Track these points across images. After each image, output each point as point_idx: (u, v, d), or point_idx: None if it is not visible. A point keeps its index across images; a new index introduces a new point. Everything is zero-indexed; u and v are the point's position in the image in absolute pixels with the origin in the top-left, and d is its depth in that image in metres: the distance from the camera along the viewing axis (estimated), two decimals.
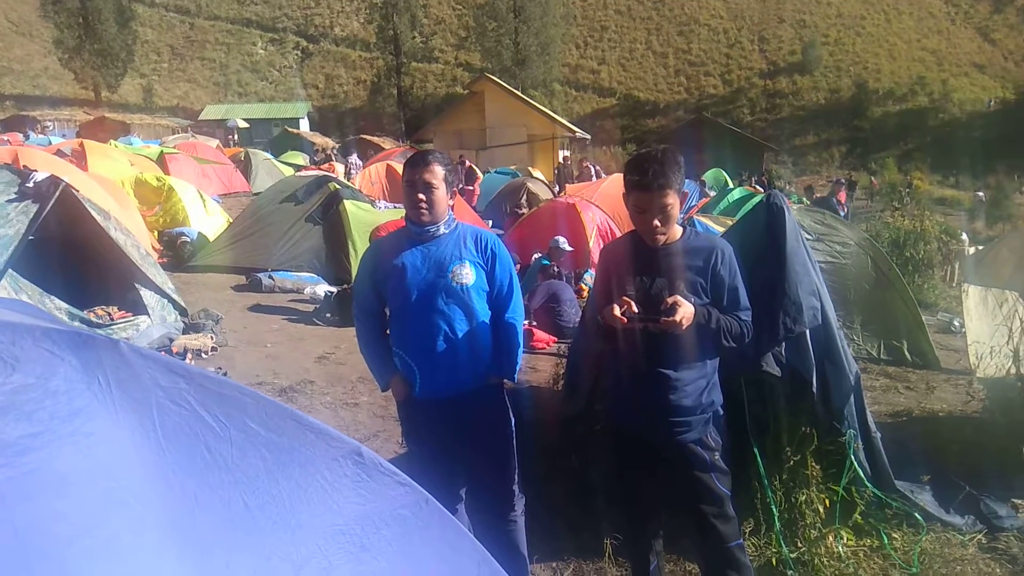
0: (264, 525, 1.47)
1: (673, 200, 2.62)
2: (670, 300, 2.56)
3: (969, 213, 27.47)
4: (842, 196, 13.55)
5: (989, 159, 41.80)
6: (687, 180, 22.20)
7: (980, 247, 7.11)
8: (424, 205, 2.91)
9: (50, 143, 20.80)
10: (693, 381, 2.73)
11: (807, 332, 3.44)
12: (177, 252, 11.22)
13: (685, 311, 2.53)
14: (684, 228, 2.78)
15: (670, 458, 2.79)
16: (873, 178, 30.19)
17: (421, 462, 3.05)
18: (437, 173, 2.93)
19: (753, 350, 3.22)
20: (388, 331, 3.18)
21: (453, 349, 2.92)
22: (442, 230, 2.98)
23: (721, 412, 2.86)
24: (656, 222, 2.64)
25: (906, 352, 7.47)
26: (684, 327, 2.54)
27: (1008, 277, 5.24)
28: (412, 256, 2.95)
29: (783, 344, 3.43)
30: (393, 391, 3.10)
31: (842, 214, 14.98)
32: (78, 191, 6.29)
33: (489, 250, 3.03)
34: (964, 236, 13.79)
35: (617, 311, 2.58)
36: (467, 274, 2.93)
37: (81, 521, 1.30)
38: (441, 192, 2.93)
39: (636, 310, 2.59)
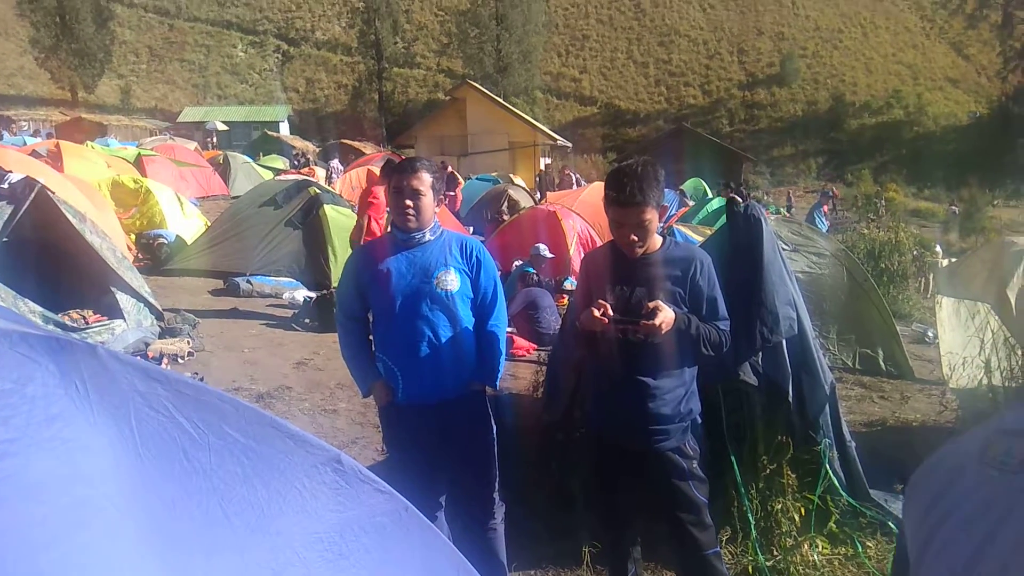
0: (242, 532, 1.46)
1: (651, 215, 2.64)
2: (651, 304, 2.58)
3: (943, 225, 27.92)
4: (826, 208, 13.68)
5: (963, 172, 42.54)
6: (667, 190, 22.28)
7: (953, 259, 7.22)
8: (411, 212, 2.92)
9: (24, 143, 20.51)
10: (672, 389, 2.75)
11: (783, 342, 3.49)
12: (154, 254, 11.11)
13: (665, 315, 2.55)
14: (664, 238, 2.81)
15: (648, 466, 2.81)
16: (834, 188, 30.71)
17: (402, 468, 3.04)
18: (425, 180, 2.94)
19: (731, 359, 3.25)
20: (371, 336, 3.17)
21: (436, 355, 2.93)
22: (428, 236, 2.99)
23: (699, 420, 2.88)
24: (633, 236, 2.67)
25: (881, 362, 7.57)
26: (663, 331, 2.56)
27: (980, 289, 5.34)
28: (397, 262, 2.96)
29: (760, 354, 3.46)
30: (375, 397, 3.10)
31: (825, 226, 15.16)
32: (54, 193, 6.21)
33: (474, 257, 3.04)
34: (938, 248, 14.02)
35: (596, 313, 2.61)
36: (452, 280, 2.94)
37: (57, 527, 1.29)
38: (428, 199, 2.95)
39: (611, 313, 2.61)
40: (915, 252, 12.32)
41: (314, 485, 1.56)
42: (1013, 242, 5.46)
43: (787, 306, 3.45)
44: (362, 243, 8.36)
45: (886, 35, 69.19)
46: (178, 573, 1.38)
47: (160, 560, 1.36)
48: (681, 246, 2.86)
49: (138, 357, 6.26)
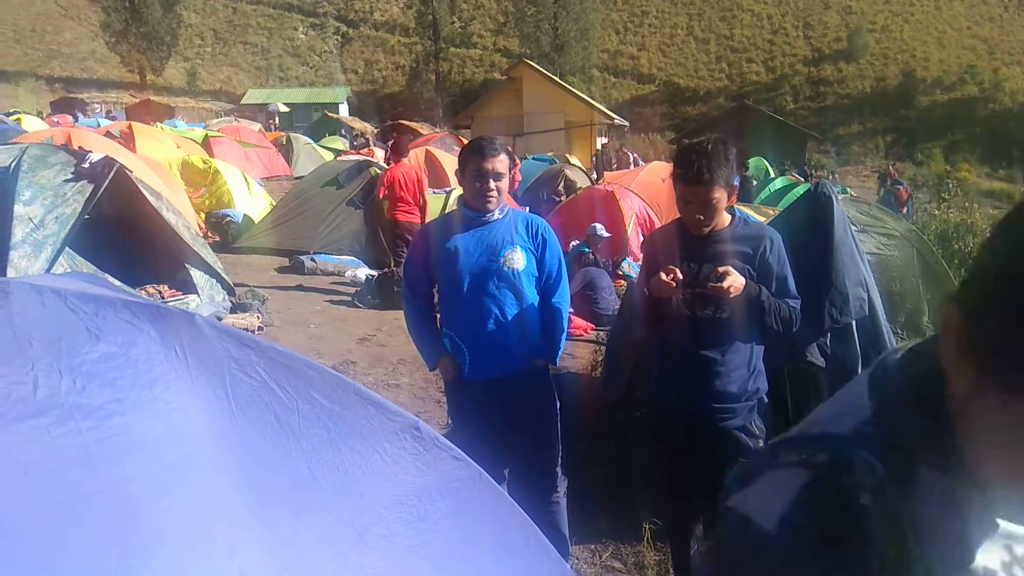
0: (328, 492, 1.53)
1: (719, 195, 2.63)
2: (720, 269, 2.58)
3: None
4: (903, 194, 13.20)
5: None
6: None
7: None
8: (493, 194, 2.97)
9: (98, 125, 21.27)
10: (738, 366, 2.74)
11: (853, 323, 3.43)
12: (223, 232, 11.45)
13: (735, 279, 2.55)
14: (733, 216, 2.79)
15: (713, 444, 2.81)
16: (891, 167, 29.66)
17: (467, 441, 3.10)
18: (505, 162, 2.99)
19: (798, 340, 3.21)
20: (437, 312, 3.24)
21: (503, 332, 2.98)
22: (496, 215, 3.03)
23: (766, 400, 2.87)
24: (699, 215, 2.66)
25: None
26: (732, 295, 2.55)
27: None
28: (465, 240, 3.00)
29: (828, 335, 3.41)
30: (442, 371, 3.17)
31: (906, 212, 14.66)
32: (132, 172, 6.46)
33: (540, 236, 3.07)
34: None
35: (665, 277, 2.61)
36: (518, 259, 2.98)
37: (161, 482, 1.38)
38: (506, 181, 2.99)
39: (681, 276, 2.61)
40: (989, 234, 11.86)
41: (394, 450, 1.62)
42: None
43: (858, 287, 3.39)
44: (400, 219, 8.53)
45: (960, 7, 66.12)
46: (269, 529, 1.46)
47: (253, 516, 1.44)
48: (751, 224, 2.84)
49: None
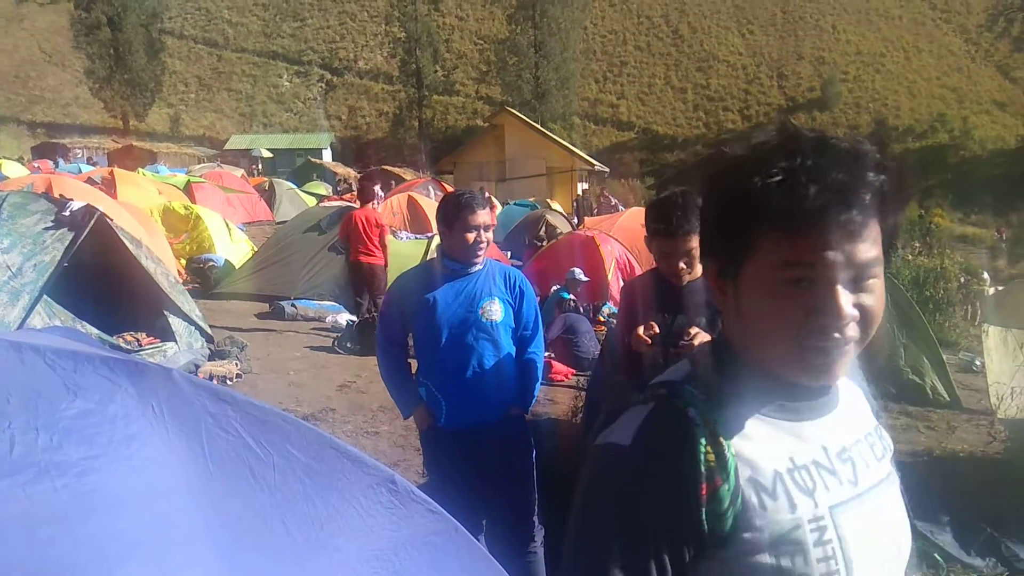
0: (303, 548, 1.54)
1: (696, 243, 2.70)
2: (692, 330, 2.63)
3: (991, 251, 27.30)
4: None
5: (1011, 197, 41.54)
6: None
7: (1000, 287, 7.10)
8: (483, 247, 3.02)
9: (80, 171, 21.27)
10: None
11: None
12: (204, 277, 11.42)
13: (703, 339, 2.60)
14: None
15: None
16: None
17: (443, 492, 3.10)
18: (491, 214, 3.05)
19: None
20: (411, 360, 3.26)
21: (480, 382, 3.00)
22: (476, 267, 3.07)
23: None
24: (682, 264, 2.73)
25: (928, 391, 7.43)
26: None
27: None
28: (444, 292, 3.04)
29: None
30: (417, 421, 3.17)
31: None
32: (112, 220, 6.47)
33: (517, 288, 3.12)
34: (985, 275, 13.72)
35: (642, 333, 2.67)
36: (496, 311, 3.02)
37: (135, 539, 1.38)
38: (492, 232, 3.05)
39: (657, 330, 2.67)
40: (962, 279, 12.08)
41: (370, 504, 1.64)
42: None
43: None
44: (363, 261, 8.67)
45: (929, 59, 68.25)
46: None
47: (228, 571, 1.44)
48: None
49: None
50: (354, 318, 9.18)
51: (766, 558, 0.92)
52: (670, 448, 0.92)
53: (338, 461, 1.63)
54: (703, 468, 0.91)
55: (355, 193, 23.53)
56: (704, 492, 0.90)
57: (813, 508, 0.94)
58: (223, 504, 1.50)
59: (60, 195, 7.59)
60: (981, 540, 3.98)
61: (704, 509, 0.90)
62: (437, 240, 11.29)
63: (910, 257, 13.00)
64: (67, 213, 5.92)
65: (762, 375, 0.98)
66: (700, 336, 2.62)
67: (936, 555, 3.62)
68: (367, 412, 6.29)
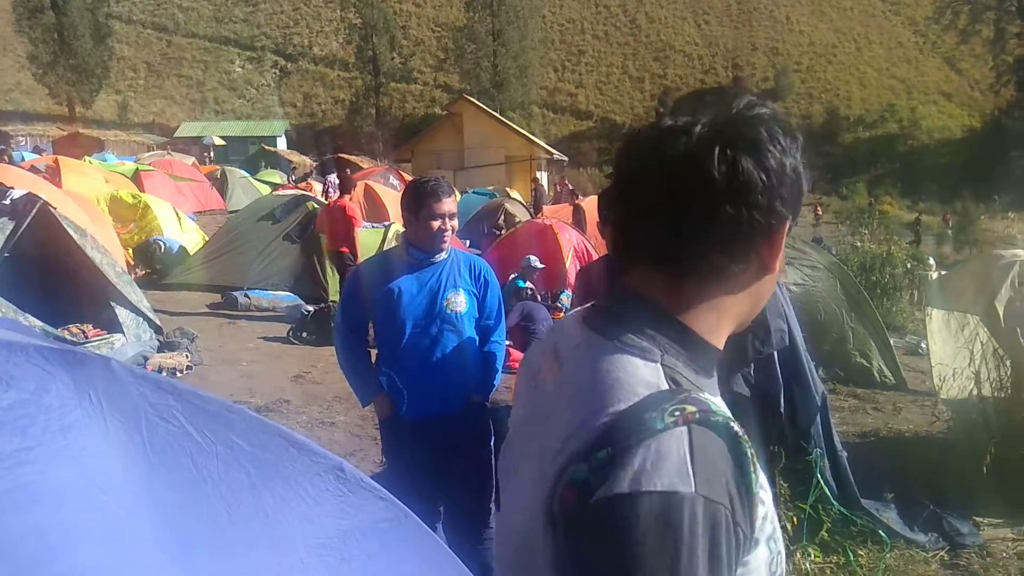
0: (248, 538, 1.52)
1: None
2: None
3: (937, 238, 28.09)
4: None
5: (957, 185, 42.81)
6: None
7: (944, 272, 7.31)
8: (448, 235, 2.97)
9: (23, 159, 20.58)
10: None
11: (775, 354, 3.55)
12: (150, 261, 11.15)
13: None
14: None
15: None
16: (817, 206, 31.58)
17: (401, 479, 3.09)
18: (456, 202, 3.01)
19: (723, 371, 3.30)
20: (372, 349, 3.22)
21: (443, 373, 2.99)
22: (441, 256, 3.03)
23: None
24: None
25: (875, 373, 7.64)
26: None
27: (969, 301, 5.41)
28: (408, 282, 2.99)
29: (752, 365, 3.52)
30: (377, 409, 3.14)
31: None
32: (55, 209, 6.28)
33: (482, 278, 3.10)
34: (932, 260, 14.12)
35: None
36: (461, 302, 2.99)
37: (73, 532, 1.34)
38: (456, 221, 3.02)
39: None
40: (908, 265, 12.41)
41: (318, 492, 1.62)
42: (1000, 255, 5.55)
43: (778, 318, 3.52)
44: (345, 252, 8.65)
45: (880, 50, 69.80)
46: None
47: (170, 562, 1.41)
48: None
49: None
50: (310, 308, 9.08)
51: (764, 551, 0.82)
52: (726, 475, 0.76)
53: (284, 450, 1.61)
54: (756, 490, 0.78)
55: (310, 183, 23.27)
56: (757, 519, 0.79)
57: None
58: (164, 495, 1.47)
59: (0, 184, 7.34)
60: (924, 516, 4.12)
61: (752, 535, 0.78)
62: (395, 228, 11.22)
63: (859, 244, 13.33)
64: (7, 202, 5.72)
65: (713, 358, 0.91)
66: None
67: (880, 531, 3.73)
68: (322, 402, 6.24)
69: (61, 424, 1.41)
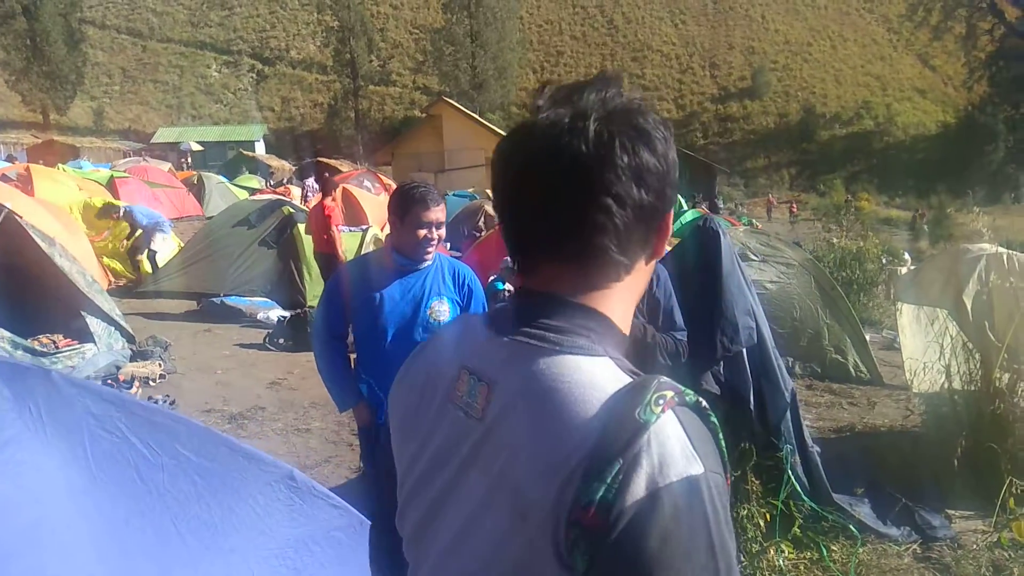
0: (196, 549, 1.49)
1: None
2: None
3: (913, 233, 28.39)
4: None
5: (932, 180, 43.34)
6: None
7: (913, 267, 7.37)
8: (435, 243, 2.90)
9: None
10: None
11: (743, 351, 3.56)
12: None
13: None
14: None
15: None
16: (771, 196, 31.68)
17: (379, 485, 3.05)
18: (444, 210, 2.93)
19: (692, 369, 3.31)
20: (351, 355, 3.17)
21: None
22: (425, 262, 2.97)
23: None
24: None
25: (850, 368, 7.69)
26: None
27: (938, 295, 5.47)
28: (391, 289, 2.93)
29: (721, 363, 3.53)
30: (357, 417, 3.09)
31: None
32: (21, 217, 6.18)
33: (466, 286, 3.04)
34: (907, 255, 14.27)
35: None
36: (444, 311, 2.94)
37: (12, 545, 1.31)
38: (444, 229, 2.94)
39: None
40: (884, 260, 12.53)
41: (268, 502, 1.59)
42: (968, 249, 5.60)
43: (746, 316, 3.53)
44: (329, 254, 8.60)
45: (854, 47, 70.51)
46: None
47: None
48: None
49: (109, 381, 6.22)
50: (286, 313, 9.01)
51: None
52: (713, 447, 0.81)
53: (232, 459, 1.58)
54: (725, 456, 0.82)
55: (288, 188, 23.14)
56: (728, 483, 0.82)
57: None
58: (108, 508, 1.44)
59: None
60: (896, 510, 4.14)
61: None
62: (372, 232, 11.16)
63: (834, 240, 13.44)
64: None
65: (623, 339, 0.93)
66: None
67: (851, 526, 3.75)
68: (298, 409, 6.18)
69: (0, 439, 1.39)
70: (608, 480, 0.75)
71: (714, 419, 0.82)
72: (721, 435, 0.81)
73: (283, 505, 1.57)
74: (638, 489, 0.74)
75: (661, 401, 0.78)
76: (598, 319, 0.88)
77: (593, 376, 0.82)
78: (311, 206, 15.79)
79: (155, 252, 11.18)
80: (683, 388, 0.81)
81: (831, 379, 7.60)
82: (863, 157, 56.85)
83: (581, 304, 0.89)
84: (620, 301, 0.91)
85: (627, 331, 0.94)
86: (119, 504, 1.42)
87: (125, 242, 11.19)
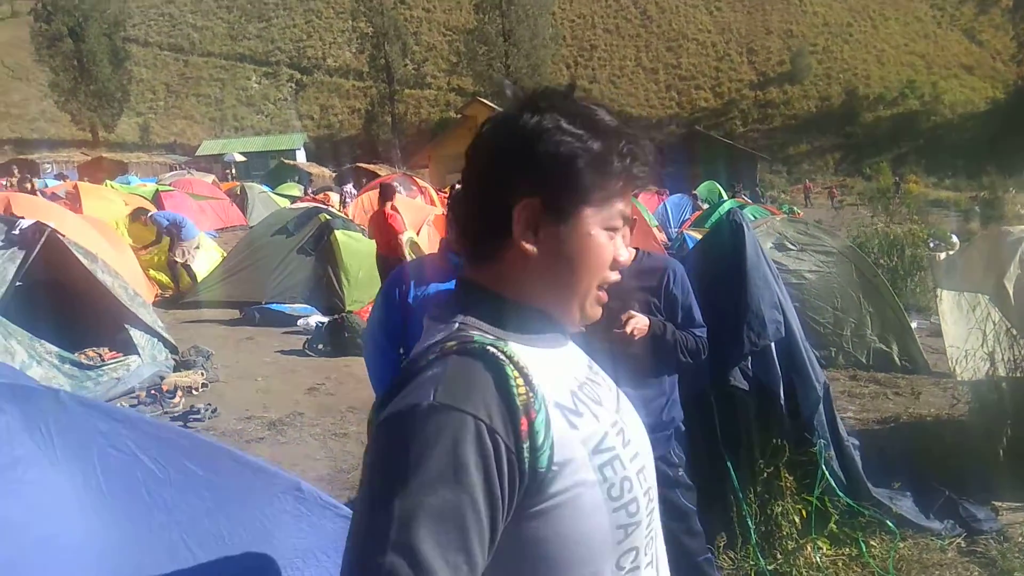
0: (205, 563, 1.52)
1: (624, 231, 2.68)
2: (624, 316, 2.62)
3: (964, 215, 27.50)
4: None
5: (983, 159, 41.92)
6: (679, 195, 22.09)
7: (950, 252, 7.14)
8: None
9: (46, 186, 20.99)
10: (653, 399, 2.77)
11: (772, 345, 3.50)
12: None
13: (637, 322, 2.59)
14: (636, 251, 2.85)
15: None
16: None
17: None
18: None
19: (711, 365, 3.26)
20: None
21: None
22: None
23: (683, 428, 2.91)
24: None
25: (896, 358, 7.50)
26: (636, 338, 2.59)
27: (978, 280, 5.29)
28: (443, 288, 2.84)
29: (749, 358, 3.48)
30: None
31: None
32: (64, 236, 6.38)
33: None
34: (954, 238, 13.81)
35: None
36: None
37: (24, 563, 1.36)
38: None
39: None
40: (931, 244, 12.16)
41: (275, 513, 1.62)
42: (1009, 231, 5.40)
43: (773, 309, 3.47)
44: (390, 257, 8.75)
45: (896, 26, 68.59)
46: None
47: None
48: (653, 256, 2.90)
49: (153, 391, 6.39)
50: (325, 319, 9.14)
51: (591, 475, 0.92)
52: (481, 390, 0.88)
53: (239, 472, 1.61)
54: (518, 403, 0.88)
55: (328, 194, 23.45)
56: (524, 428, 0.87)
57: (608, 414, 1.01)
58: (118, 524, 1.48)
59: (10, 213, 7.49)
60: (939, 503, 4.02)
61: (525, 447, 0.87)
62: (407, 236, 11.25)
63: (880, 225, 13.12)
64: (16, 232, 5.83)
65: (528, 313, 1.01)
66: (636, 319, 2.61)
67: (888, 521, 3.65)
68: (336, 414, 6.27)
69: (10, 458, 1.43)
70: (381, 407, 0.93)
71: (503, 367, 0.90)
72: (514, 383, 0.89)
73: (290, 516, 1.59)
74: (383, 415, 0.90)
75: (438, 349, 0.93)
76: (481, 295, 1.03)
77: (429, 340, 0.99)
78: (348, 212, 15.98)
79: (178, 263, 11.40)
80: (477, 338, 0.94)
81: (876, 369, 7.43)
82: (910, 138, 55.25)
83: (476, 285, 1.04)
84: (523, 278, 1.02)
85: (535, 303, 1.03)
86: (129, 520, 1.46)
87: (168, 254, 11.47)
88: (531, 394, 0.90)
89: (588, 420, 0.96)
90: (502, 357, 0.91)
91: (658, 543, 1.08)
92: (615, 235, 1.04)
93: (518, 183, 0.98)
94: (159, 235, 11.65)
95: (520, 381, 0.90)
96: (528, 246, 0.99)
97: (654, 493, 1.04)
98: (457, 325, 0.98)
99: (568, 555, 0.92)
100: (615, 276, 1.06)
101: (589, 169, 0.98)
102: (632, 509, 0.96)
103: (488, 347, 0.92)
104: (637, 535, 0.98)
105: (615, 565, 0.96)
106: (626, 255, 1.07)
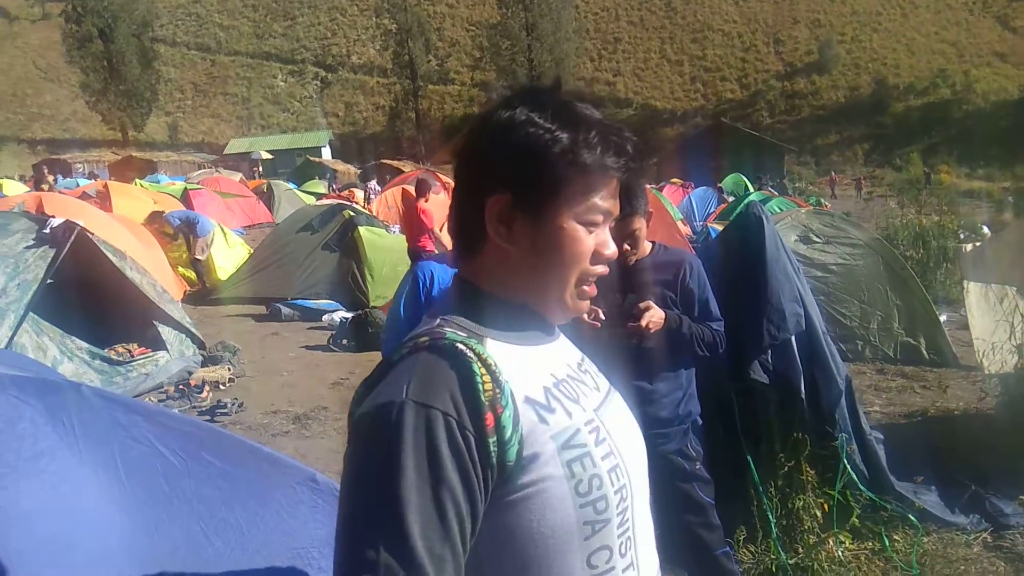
0: (223, 551, 1.56)
1: (639, 224, 2.69)
2: (641, 305, 2.62)
3: (997, 205, 26.98)
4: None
5: (1016, 149, 41.04)
6: (705, 187, 21.91)
7: (977, 243, 7.00)
8: None
9: (77, 185, 21.37)
10: (669, 392, 2.77)
11: (792, 338, 3.47)
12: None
13: (653, 315, 2.59)
14: (653, 244, 2.85)
15: (650, 470, 2.83)
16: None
17: None
18: None
19: (731, 360, 3.25)
20: None
21: None
22: None
23: (700, 422, 2.90)
24: (626, 246, 2.71)
25: (924, 351, 7.39)
26: (652, 331, 2.59)
27: (1006, 271, 5.19)
28: None
29: (769, 352, 3.46)
30: None
31: None
32: (93, 234, 6.51)
33: None
34: (985, 229, 13.55)
35: (587, 318, 2.65)
36: None
37: (47, 553, 1.40)
38: None
39: (603, 317, 2.64)
40: (962, 235, 11.94)
41: (291, 504, 1.65)
42: None
43: (793, 302, 3.44)
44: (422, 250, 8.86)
45: (927, 14, 67.32)
46: None
47: None
48: (671, 250, 2.89)
49: (181, 386, 6.51)
50: (349, 315, 9.22)
51: (559, 470, 0.94)
52: (448, 386, 0.91)
53: (256, 464, 1.65)
54: (484, 399, 0.90)
55: (352, 191, 23.62)
56: (490, 423, 0.90)
57: (583, 412, 1.01)
58: (138, 514, 1.52)
59: (41, 212, 7.65)
60: (965, 497, 3.97)
61: (491, 441, 0.90)
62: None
63: (911, 216, 12.89)
64: (47, 230, 5.96)
65: (510, 308, 1.04)
66: (653, 311, 2.61)
67: (911, 515, 3.61)
68: None
69: (34, 450, 1.48)
70: (358, 401, 0.97)
71: (469, 363, 0.92)
72: (480, 379, 0.91)
73: (306, 507, 1.62)
74: (360, 411, 0.93)
75: (411, 344, 0.97)
76: (466, 291, 1.06)
77: (413, 335, 1.02)
78: (372, 208, 16.05)
79: (199, 260, 11.57)
80: (449, 335, 0.96)
81: (903, 362, 7.32)
82: (941, 128, 54.23)
83: (462, 280, 1.08)
84: (504, 274, 1.05)
85: (514, 298, 1.05)
86: (148, 510, 1.50)
87: (188, 253, 11.69)
88: (497, 390, 0.92)
89: (560, 416, 0.97)
90: (469, 354, 0.93)
91: (642, 548, 1.07)
92: (596, 228, 1.03)
93: (490, 178, 1.00)
94: (176, 233, 11.84)
95: (487, 377, 0.92)
96: (501, 242, 1.01)
97: (633, 492, 1.05)
98: (438, 321, 1.01)
99: (537, 548, 0.94)
100: (600, 270, 1.06)
101: (559, 161, 0.98)
102: (600, 506, 0.97)
103: (457, 344, 0.94)
104: (606, 533, 0.99)
105: (585, 563, 0.97)
106: (612, 249, 1.06)
